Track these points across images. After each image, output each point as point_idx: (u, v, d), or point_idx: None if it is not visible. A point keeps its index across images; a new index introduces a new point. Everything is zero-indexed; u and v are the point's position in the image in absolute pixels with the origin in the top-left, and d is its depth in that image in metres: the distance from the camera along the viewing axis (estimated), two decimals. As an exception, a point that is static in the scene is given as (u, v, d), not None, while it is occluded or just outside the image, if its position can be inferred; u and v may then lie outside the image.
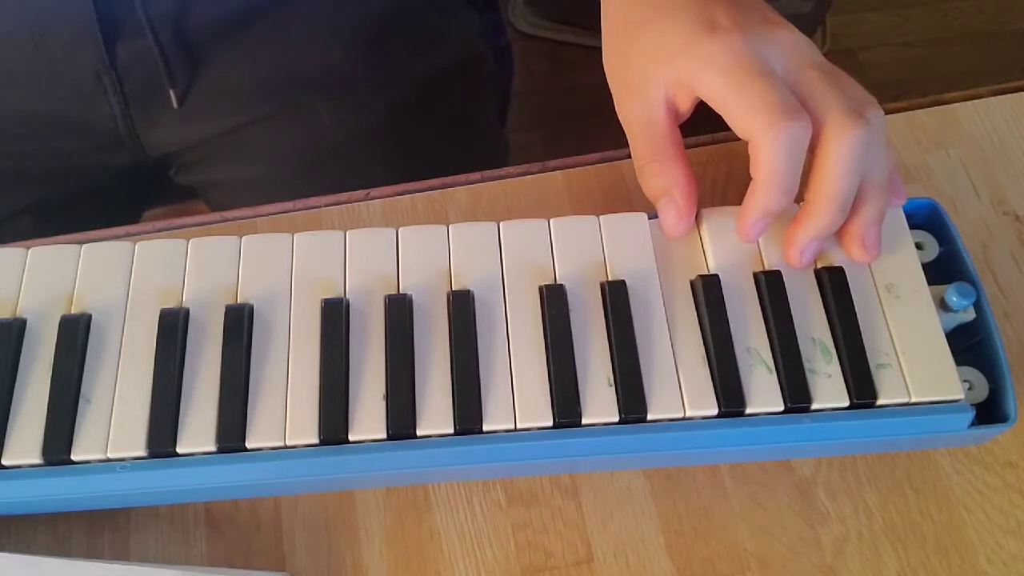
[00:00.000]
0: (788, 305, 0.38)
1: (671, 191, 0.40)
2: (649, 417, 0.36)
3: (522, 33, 1.51)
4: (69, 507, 0.40)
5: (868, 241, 0.39)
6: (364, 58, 0.63)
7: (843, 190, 0.37)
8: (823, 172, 0.37)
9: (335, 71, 0.63)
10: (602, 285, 0.39)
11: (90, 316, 0.38)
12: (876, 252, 0.39)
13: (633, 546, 0.40)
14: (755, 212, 0.38)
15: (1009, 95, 0.51)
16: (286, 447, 0.36)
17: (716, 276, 0.39)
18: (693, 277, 0.40)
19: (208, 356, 0.37)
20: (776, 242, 0.40)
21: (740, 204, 0.40)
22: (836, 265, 0.40)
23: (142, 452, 0.36)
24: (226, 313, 0.38)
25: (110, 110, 0.60)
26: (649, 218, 0.41)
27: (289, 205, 0.47)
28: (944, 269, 0.41)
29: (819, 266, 0.40)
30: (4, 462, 0.36)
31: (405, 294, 0.39)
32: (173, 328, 0.37)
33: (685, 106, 0.40)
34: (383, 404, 0.36)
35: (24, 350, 0.37)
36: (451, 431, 0.36)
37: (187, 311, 0.38)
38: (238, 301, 0.39)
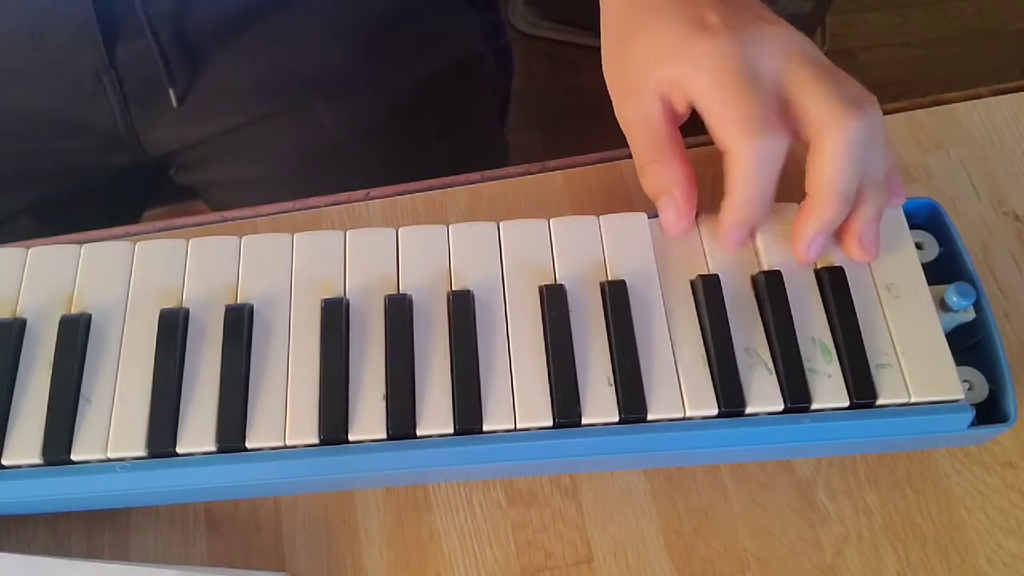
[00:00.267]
0: (788, 305, 0.38)
1: (671, 190, 0.40)
2: (649, 417, 0.36)
3: (522, 33, 1.51)
4: (69, 507, 0.40)
5: (866, 240, 0.39)
6: (364, 58, 0.63)
7: (845, 182, 0.37)
8: (824, 165, 0.37)
9: (335, 71, 0.63)
10: (602, 285, 0.39)
11: (90, 316, 0.38)
12: (874, 251, 0.39)
13: (633, 546, 0.40)
14: (728, 223, 0.39)
15: (1009, 95, 0.51)
16: (286, 447, 0.36)
17: (716, 276, 0.39)
18: (693, 277, 0.40)
19: (208, 356, 0.37)
20: (776, 242, 0.40)
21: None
22: (836, 265, 0.40)
23: (142, 452, 0.36)
24: (226, 313, 0.38)
25: (110, 110, 0.60)
26: (649, 218, 0.41)
27: (289, 205, 0.47)
28: (944, 269, 0.41)
29: (819, 266, 0.40)
30: (4, 462, 0.36)
31: (405, 294, 0.39)
32: (173, 328, 0.37)
33: (682, 107, 0.40)
34: (383, 404, 0.36)
35: (24, 350, 0.37)
36: (451, 431, 0.36)
37: (187, 311, 0.38)
38: (238, 301, 0.39)
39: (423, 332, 0.38)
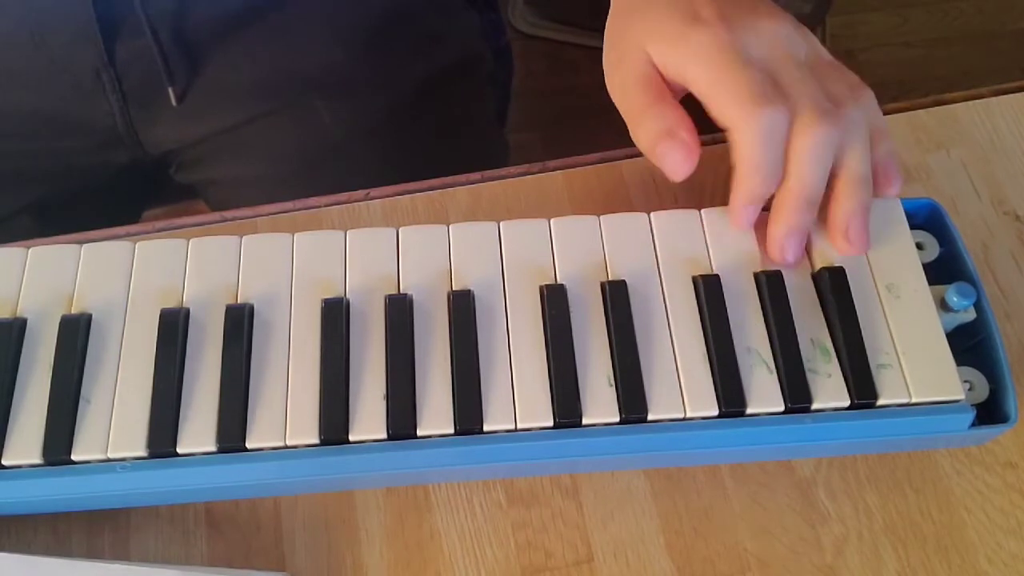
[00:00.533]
0: (789, 305, 0.38)
1: (675, 131, 0.39)
2: (649, 417, 0.36)
3: (522, 33, 1.51)
4: (69, 507, 0.40)
5: (852, 233, 0.39)
6: (364, 58, 0.63)
7: (803, 186, 0.38)
8: (787, 169, 0.38)
9: (335, 71, 0.63)
10: (602, 285, 0.39)
11: (90, 316, 0.38)
12: (862, 243, 0.39)
13: (633, 546, 0.40)
14: (740, 199, 0.39)
15: (1009, 95, 0.51)
16: (286, 447, 0.36)
17: (716, 276, 0.39)
18: (694, 277, 0.40)
19: (208, 356, 0.37)
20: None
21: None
22: (836, 265, 0.40)
23: (142, 452, 0.36)
24: (226, 313, 0.38)
25: (109, 108, 0.60)
26: (648, 216, 0.41)
27: (289, 205, 0.47)
28: (944, 269, 0.41)
29: (819, 266, 0.40)
30: (4, 462, 0.36)
31: (405, 294, 0.39)
32: (173, 328, 0.37)
33: (675, 83, 0.40)
34: (383, 404, 0.36)
35: (24, 350, 0.37)
36: (451, 431, 0.36)
37: (187, 311, 0.38)
38: (238, 301, 0.39)
39: (423, 332, 0.38)
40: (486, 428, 0.36)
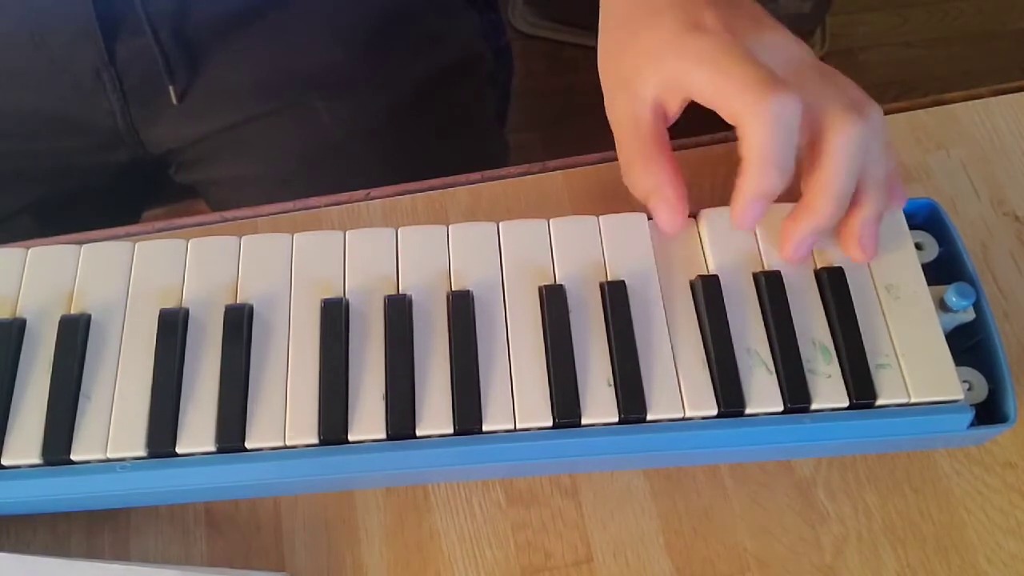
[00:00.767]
0: (788, 305, 0.38)
1: (661, 188, 0.39)
2: (649, 417, 0.36)
3: (522, 33, 1.51)
4: (69, 507, 0.40)
5: (864, 241, 0.39)
6: (364, 58, 0.63)
7: (841, 184, 0.37)
8: (823, 167, 0.37)
9: (335, 70, 0.63)
10: (602, 285, 0.39)
11: (90, 316, 0.38)
12: (873, 252, 0.39)
13: (633, 546, 0.40)
14: (748, 193, 0.37)
15: (1009, 95, 0.51)
16: (286, 447, 0.36)
17: (716, 276, 0.39)
18: (693, 277, 0.40)
19: (208, 356, 0.37)
20: (776, 242, 0.40)
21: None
22: (836, 265, 0.40)
23: (142, 452, 0.36)
24: (226, 313, 0.38)
25: (109, 108, 0.60)
26: (649, 218, 0.41)
27: (289, 205, 0.47)
28: (944, 269, 0.41)
29: (819, 266, 0.40)
30: (4, 462, 0.36)
31: (405, 294, 0.39)
32: (173, 328, 0.37)
33: (674, 108, 0.40)
34: (383, 404, 0.36)
35: (24, 350, 0.37)
36: (451, 431, 0.36)
37: (187, 311, 0.38)
38: (238, 301, 0.39)
39: (423, 332, 0.38)
40: (485, 428, 0.36)
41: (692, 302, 0.39)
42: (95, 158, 0.64)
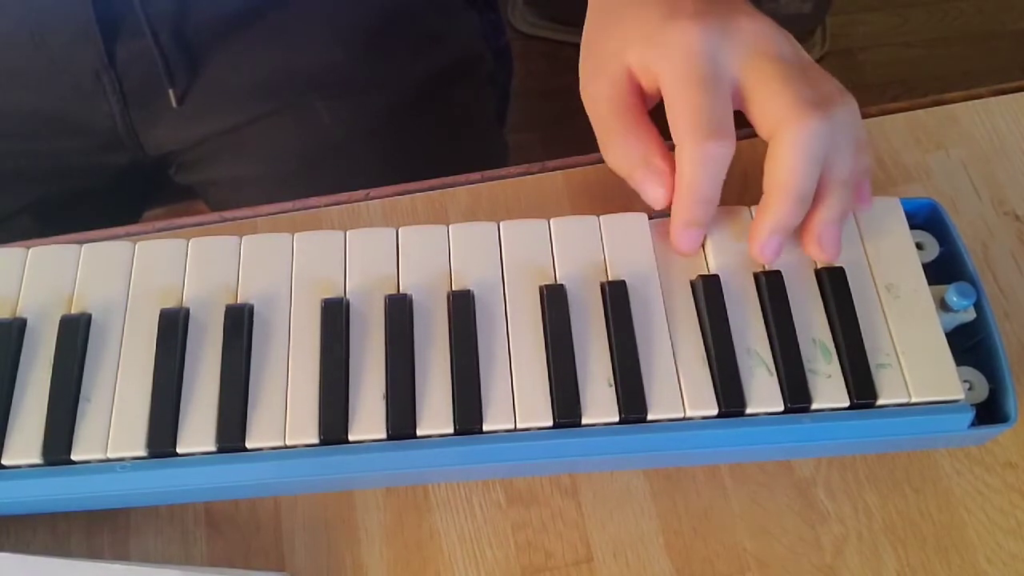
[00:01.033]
0: (788, 305, 0.38)
1: (649, 160, 0.39)
2: (649, 417, 0.36)
3: (522, 33, 1.51)
4: (69, 507, 0.40)
5: (825, 240, 0.39)
6: (364, 58, 0.63)
7: (798, 181, 0.37)
8: (777, 162, 0.37)
9: (335, 71, 0.63)
10: (602, 285, 0.39)
11: (90, 316, 0.38)
12: (833, 252, 0.39)
13: (633, 546, 0.40)
14: (678, 223, 0.39)
15: (1009, 95, 0.51)
16: (286, 447, 0.36)
17: (716, 276, 0.39)
18: (693, 277, 0.40)
19: (208, 356, 0.37)
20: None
21: (749, 205, 0.41)
22: (836, 265, 0.40)
23: (142, 452, 0.36)
24: (226, 313, 0.38)
25: (109, 110, 0.60)
26: (650, 218, 0.41)
27: (289, 205, 0.47)
28: (944, 269, 0.41)
29: (819, 266, 0.40)
30: (4, 462, 0.36)
31: (405, 294, 0.39)
32: (173, 328, 0.37)
33: (651, 89, 0.40)
34: (383, 404, 0.36)
35: (24, 350, 0.37)
36: (451, 431, 0.36)
37: (187, 311, 0.38)
38: (238, 301, 0.39)
39: (423, 332, 0.38)
40: (486, 428, 0.36)
41: (692, 302, 0.39)
42: (95, 159, 0.64)
